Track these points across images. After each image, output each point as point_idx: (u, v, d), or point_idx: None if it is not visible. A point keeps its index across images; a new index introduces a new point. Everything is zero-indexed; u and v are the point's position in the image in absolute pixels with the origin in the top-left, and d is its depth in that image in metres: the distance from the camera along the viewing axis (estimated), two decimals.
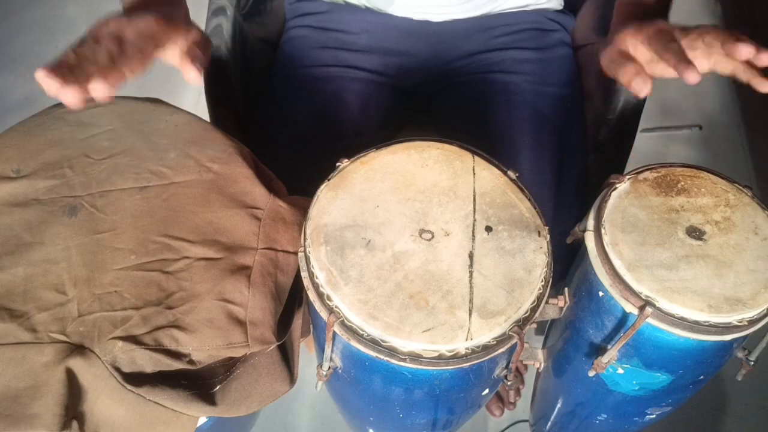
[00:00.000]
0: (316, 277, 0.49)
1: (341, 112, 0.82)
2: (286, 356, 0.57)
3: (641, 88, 0.53)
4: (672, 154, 1.49)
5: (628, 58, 0.57)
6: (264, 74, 0.88)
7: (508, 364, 0.55)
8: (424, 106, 0.89)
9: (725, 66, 0.54)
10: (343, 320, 0.48)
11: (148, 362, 0.48)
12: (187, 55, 0.54)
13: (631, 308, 0.51)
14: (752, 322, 0.49)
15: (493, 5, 0.85)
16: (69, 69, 0.46)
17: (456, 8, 0.84)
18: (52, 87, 0.44)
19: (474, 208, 0.54)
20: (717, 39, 0.52)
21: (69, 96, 0.44)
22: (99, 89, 0.45)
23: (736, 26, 1.64)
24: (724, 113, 1.53)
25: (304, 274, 0.51)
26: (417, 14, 0.84)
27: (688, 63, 0.49)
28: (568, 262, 0.62)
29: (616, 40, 0.58)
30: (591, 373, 0.57)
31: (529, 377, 1.11)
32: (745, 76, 0.54)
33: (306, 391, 1.12)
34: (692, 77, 0.49)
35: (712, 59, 0.54)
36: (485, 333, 0.47)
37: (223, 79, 0.80)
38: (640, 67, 0.55)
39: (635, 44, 0.57)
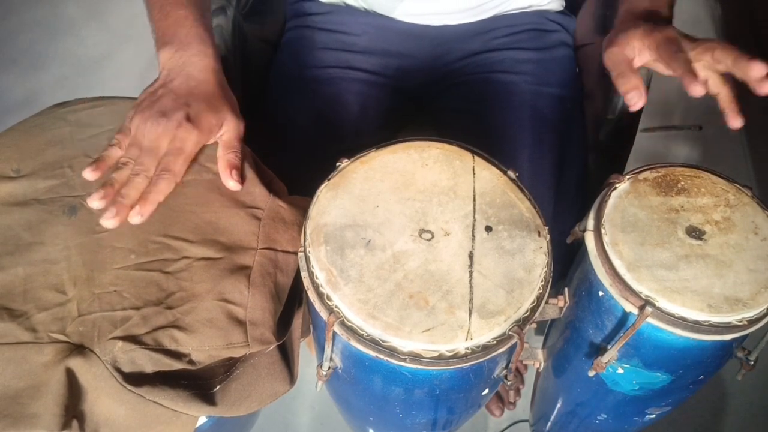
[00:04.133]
0: (316, 277, 0.49)
1: (341, 112, 0.82)
2: (286, 356, 0.57)
3: (636, 102, 0.55)
4: (672, 154, 1.49)
5: (629, 64, 0.57)
6: (264, 74, 0.88)
7: (508, 364, 0.55)
8: (424, 106, 0.89)
9: (715, 86, 0.56)
10: (343, 320, 0.48)
11: (147, 362, 0.48)
12: (222, 163, 0.57)
13: (631, 308, 0.51)
14: (752, 321, 0.49)
15: (495, 10, 0.85)
16: (110, 184, 0.54)
17: (458, 15, 0.84)
18: (96, 205, 0.53)
19: (474, 208, 0.54)
20: (728, 55, 0.53)
21: (110, 223, 0.52)
22: (137, 220, 0.53)
23: (735, 26, 1.64)
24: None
25: (304, 274, 0.51)
26: (419, 20, 0.84)
27: (695, 76, 0.51)
28: (568, 262, 0.62)
29: (621, 42, 0.59)
30: (591, 373, 0.57)
31: (529, 377, 1.11)
32: (723, 104, 0.56)
33: (306, 391, 1.12)
34: (697, 91, 0.51)
35: (708, 74, 0.56)
36: (485, 333, 0.47)
37: None
38: (639, 81, 0.56)
39: (641, 49, 0.58)
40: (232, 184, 0.56)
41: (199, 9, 0.62)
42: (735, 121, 0.55)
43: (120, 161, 0.55)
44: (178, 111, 0.56)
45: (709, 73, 0.56)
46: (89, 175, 0.54)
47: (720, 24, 1.72)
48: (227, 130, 0.59)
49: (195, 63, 0.59)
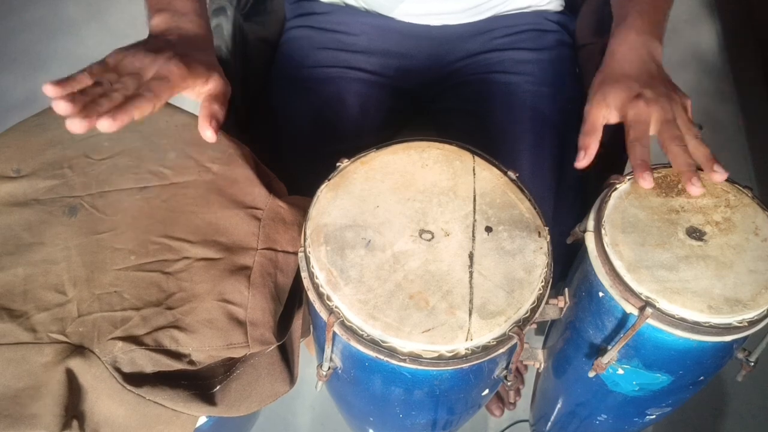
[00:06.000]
0: (316, 278, 0.49)
1: (341, 112, 0.82)
2: (286, 356, 0.57)
3: (580, 159, 0.61)
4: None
5: (596, 128, 0.61)
6: (264, 74, 0.88)
7: (508, 364, 0.55)
8: (424, 106, 0.89)
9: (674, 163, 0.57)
10: (343, 320, 0.48)
11: (148, 362, 0.48)
12: (204, 111, 0.55)
13: (631, 309, 0.51)
14: (752, 323, 0.49)
15: (495, 10, 0.85)
16: (81, 92, 0.47)
17: (458, 15, 0.84)
18: (61, 107, 0.46)
19: (474, 209, 0.54)
20: (699, 157, 0.56)
21: (75, 125, 0.46)
22: (106, 126, 0.46)
23: (735, 26, 1.64)
24: (724, 113, 1.53)
25: (304, 275, 0.51)
26: (418, 20, 0.84)
27: (645, 169, 0.55)
28: (568, 263, 0.62)
29: (599, 103, 0.61)
30: (591, 374, 0.57)
31: (529, 377, 1.11)
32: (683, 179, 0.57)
33: (306, 391, 1.12)
34: (646, 184, 0.55)
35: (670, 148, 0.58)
36: (485, 333, 0.47)
37: None
38: (595, 145, 0.60)
39: (615, 115, 0.61)
40: (208, 134, 0.54)
41: None
42: (695, 190, 0.55)
43: (95, 81, 0.49)
44: (169, 50, 0.54)
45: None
46: (50, 90, 0.46)
47: (719, 24, 1.72)
48: (214, 85, 0.57)
49: (189, 30, 0.58)
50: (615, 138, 0.71)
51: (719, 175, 0.55)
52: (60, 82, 0.47)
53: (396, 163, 0.57)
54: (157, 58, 0.52)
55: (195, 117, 0.63)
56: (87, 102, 0.47)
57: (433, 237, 0.52)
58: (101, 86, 0.49)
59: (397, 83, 0.86)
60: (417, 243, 0.51)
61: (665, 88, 0.60)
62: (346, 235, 0.51)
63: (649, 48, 0.63)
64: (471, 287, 0.49)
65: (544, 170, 0.76)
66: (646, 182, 0.55)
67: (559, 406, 0.73)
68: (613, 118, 0.61)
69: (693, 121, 0.58)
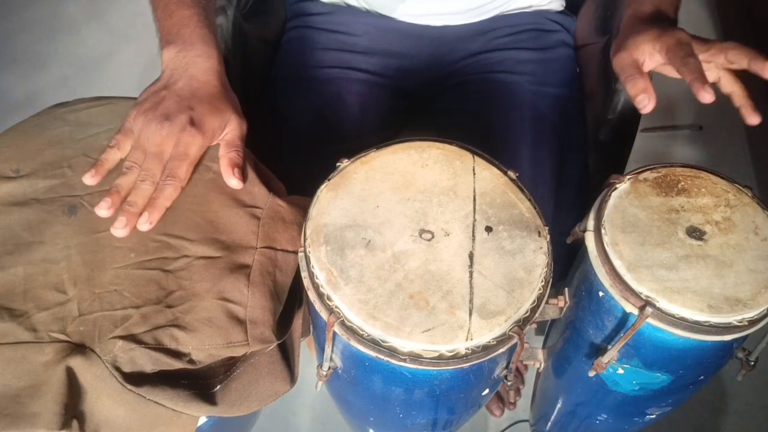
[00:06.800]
0: (316, 277, 0.49)
1: (341, 112, 0.82)
2: (287, 356, 0.57)
3: (645, 105, 0.56)
4: (672, 154, 1.49)
5: (638, 67, 0.57)
6: (264, 74, 0.88)
7: (508, 364, 0.55)
8: (424, 106, 0.89)
9: (728, 85, 0.56)
10: (343, 320, 0.48)
11: (147, 361, 0.47)
12: (224, 162, 0.57)
13: (631, 308, 0.51)
14: (752, 322, 0.49)
15: (496, 11, 0.85)
16: (116, 191, 0.54)
17: (459, 16, 0.84)
18: (104, 212, 0.53)
19: (474, 208, 0.54)
20: (743, 56, 0.54)
21: (120, 233, 0.52)
22: (146, 228, 0.53)
23: (735, 26, 1.64)
24: (724, 113, 1.53)
25: (304, 274, 0.51)
26: (419, 20, 0.84)
27: (704, 83, 0.51)
28: (568, 263, 0.62)
29: (630, 47, 0.59)
30: (591, 374, 0.57)
31: (530, 377, 1.11)
32: (738, 102, 0.56)
33: (306, 391, 1.12)
34: (706, 98, 0.51)
35: (719, 74, 0.56)
36: (485, 333, 0.47)
37: None
38: (648, 84, 0.56)
39: (652, 53, 0.58)
40: (234, 182, 0.56)
41: (203, 9, 0.62)
42: (752, 118, 0.54)
43: (125, 165, 0.55)
44: (181, 114, 0.56)
45: (721, 73, 0.56)
46: (89, 180, 0.55)
47: (719, 24, 1.72)
48: (230, 131, 0.59)
49: (198, 64, 0.59)
50: (615, 137, 0.71)
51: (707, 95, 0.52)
52: (97, 168, 0.55)
53: (396, 163, 0.57)
54: (172, 128, 0.55)
55: None
56: (123, 198, 0.54)
57: (433, 237, 0.52)
58: (131, 171, 0.55)
59: (398, 83, 0.86)
60: (417, 243, 0.51)
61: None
62: (346, 235, 0.51)
63: (667, 13, 0.62)
64: (471, 287, 0.49)
65: (544, 170, 0.76)
66: (707, 96, 0.51)
67: (559, 405, 0.73)
68: (648, 59, 0.58)
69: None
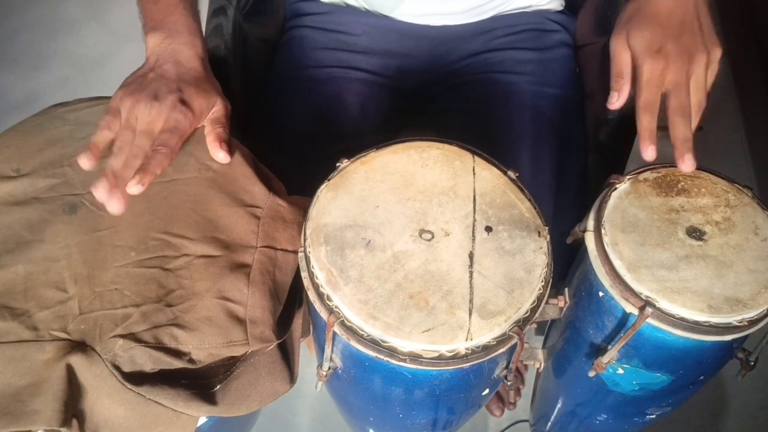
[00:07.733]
0: (316, 277, 0.49)
1: (341, 112, 0.82)
2: (287, 356, 0.57)
3: (612, 103, 0.59)
4: (672, 154, 1.48)
5: (627, 64, 0.58)
6: (264, 74, 0.88)
7: (508, 364, 0.55)
8: (424, 106, 0.89)
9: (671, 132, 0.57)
10: (343, 320, 0.48)
11: (147, 360, 0.48)
12: (211, 136, 0.58)
13: (631, 308, 0.51)
14: (752, 322, 0.49)
15: (496, 10, 0.85)
16: (112, 173, 0.53)
17: (459, 15, 0.84)
18: (103, 196, 0.52)
19: (474, 208, 0.54)
20: (674, 128, 0.55)
21: (114, 206, 0.52)
22: (135, 190, 0.52)
23: (735, 26, 1.64)
24: (724, 113, 1.53)
25: (304, 274, 0.51)
26: (419, 20, 0.84)
27: (650, 142, 0.54)
28: (568, 263, 0.62)
29: (616, 59, 0.59)
30: (591, 374, 0.57)
31: (529, 377, 1.11)
32: (676, 145, 0.56)
33: (306, 391, 1.12)
34: (648, 156, 0.55)
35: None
36: (485, 333, 0.47)
37: (223, 79, 0.80)
38: (627, 85, 0.58)
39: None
40: (221, 155, 0.57)
41: None
42: (684, 165, 0.55)
43: (116, 146, 0.55)
44: (170, 94, 0.56)
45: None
46: (85, 164, 0.54)
47: (720, 24, 1.72)
48: (217, 110, 0.60)
49: (183, 51, 0.60)
50: (615, 137, 0.71)
51: (686, 165, 0.54)
52: (91, 151, 0.54)
53: (396, 163, 0.57)
54: (161, 107, 0.55)
55: None
56: (118, 178, 0.53)
57: (433, 237, 0.52)
58: (122, 151, 0.54)
59: (398, 83, 0.86)
60: (417, 243, 0.51)
61: (693, 39, 0.57)
62: (346, 235, 0.51)
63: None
64: (471, 287, 0.49)
65: (544, 170, 0.76)
66: (648, 154, 0.53)
67: (559, 405, 0.73)
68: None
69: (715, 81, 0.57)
